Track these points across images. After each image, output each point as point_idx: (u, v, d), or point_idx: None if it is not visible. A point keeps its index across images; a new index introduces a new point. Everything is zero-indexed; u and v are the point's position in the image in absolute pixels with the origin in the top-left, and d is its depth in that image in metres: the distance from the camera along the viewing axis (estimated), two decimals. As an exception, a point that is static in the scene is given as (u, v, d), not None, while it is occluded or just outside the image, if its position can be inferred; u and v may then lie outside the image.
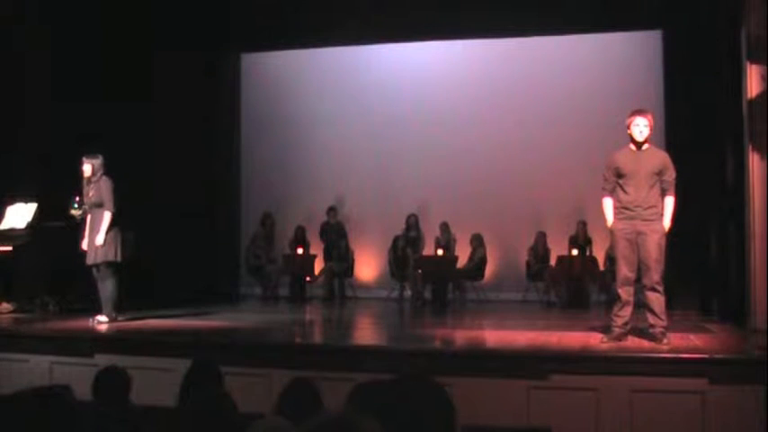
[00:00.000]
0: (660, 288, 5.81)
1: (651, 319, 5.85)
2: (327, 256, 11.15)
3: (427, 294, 10.60)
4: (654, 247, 5.76)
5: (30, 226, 8.30)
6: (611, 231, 6.01)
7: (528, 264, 10.71)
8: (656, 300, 5.81)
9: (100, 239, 7.26)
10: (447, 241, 10.73)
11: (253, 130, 11.70)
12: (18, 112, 9.06)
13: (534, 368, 5.33)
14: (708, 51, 8.23)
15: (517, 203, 10.97)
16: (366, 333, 8.15)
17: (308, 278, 10.98)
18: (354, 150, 11.51)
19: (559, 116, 10.73)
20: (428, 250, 10.90)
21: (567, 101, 10.72)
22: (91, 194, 7.39)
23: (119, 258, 7.38)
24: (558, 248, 10.40)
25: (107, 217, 7.29)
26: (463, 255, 10.75)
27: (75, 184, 7.56)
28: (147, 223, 8.78)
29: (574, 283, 9.97)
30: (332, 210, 11.22)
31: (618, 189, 5.93)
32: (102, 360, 5.61)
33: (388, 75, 11.50)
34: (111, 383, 3.64)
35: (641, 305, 6.11)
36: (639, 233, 5.80)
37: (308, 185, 11.68)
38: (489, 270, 10.95)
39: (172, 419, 2.89)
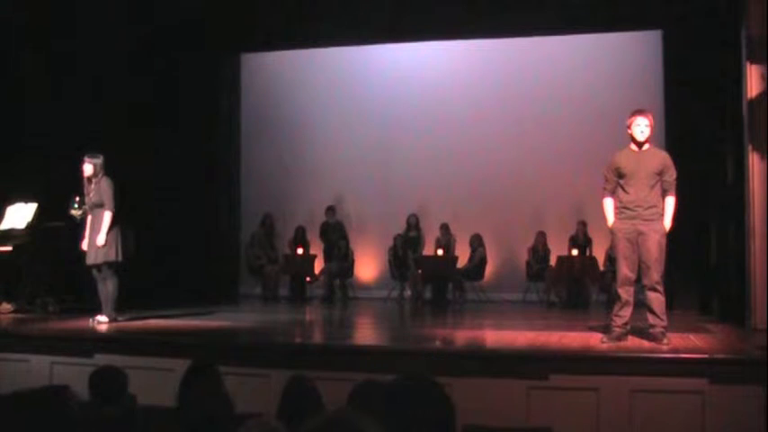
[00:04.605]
0: (660, 288, 5.81)
1: (651, 319, 5.85)
2: (327, 257, 11.15)
3: (427, 294, 10.60)
4: (654, 247, 5.76)
5: (30, 226, 8.31)
6: (612, 231, 6.01)
7: (528, 264, 10.71)
8: (657, 300, 5.81)
9: (101, 240, 7.26)
10: (447, 241, 10.73)
11: (253, 130, 11.69)
12: (18, 112, 9.05)
13: (534, 368, 5.32)
14: (708, 51, 8.22)
15: (517, 203, 10.97)
16: (366, 333, 8.14)
17: (308, 278, 10.98)
18: (354, 150, 11.51)
19: (559, 116, 10.74)
20: (428, 250, 10.90)
21: (567, 101, 10.72)
22: (91, 194, 7.39)
23: (119, 258, 7.38)
24: (558, 248, 10.39)
25: (107, 217, 7.29)
26: (463, 255, 10.75)
27: (75, 184, 7.56)
28: (147, 223, 8.77)
29: (574, 283, 9.97)
30: (330, 209, 11.22)
31: (618, 189, 5.93)
32: (102, 360, 5.61)
33: (388, 75, 11.49)
34: (107, 383, 3.64)
35: (641, 305, 6.10)
36: (640, 233, 5.80)
37: (307, 185, 11.69)
38: (489, 270, 10.96)
39: (171, 419, 2.89)
